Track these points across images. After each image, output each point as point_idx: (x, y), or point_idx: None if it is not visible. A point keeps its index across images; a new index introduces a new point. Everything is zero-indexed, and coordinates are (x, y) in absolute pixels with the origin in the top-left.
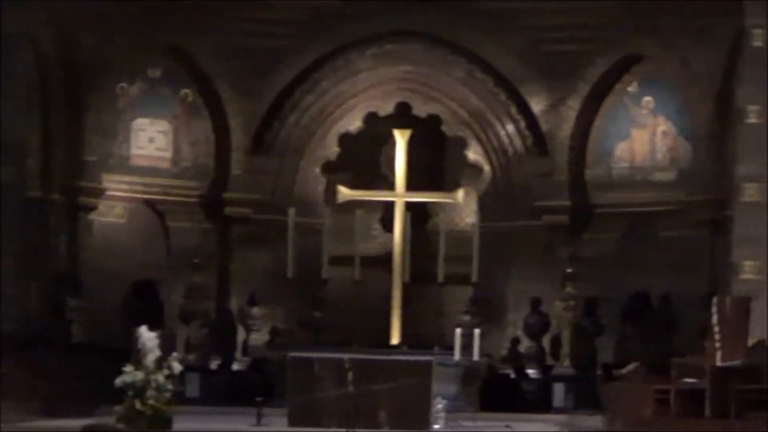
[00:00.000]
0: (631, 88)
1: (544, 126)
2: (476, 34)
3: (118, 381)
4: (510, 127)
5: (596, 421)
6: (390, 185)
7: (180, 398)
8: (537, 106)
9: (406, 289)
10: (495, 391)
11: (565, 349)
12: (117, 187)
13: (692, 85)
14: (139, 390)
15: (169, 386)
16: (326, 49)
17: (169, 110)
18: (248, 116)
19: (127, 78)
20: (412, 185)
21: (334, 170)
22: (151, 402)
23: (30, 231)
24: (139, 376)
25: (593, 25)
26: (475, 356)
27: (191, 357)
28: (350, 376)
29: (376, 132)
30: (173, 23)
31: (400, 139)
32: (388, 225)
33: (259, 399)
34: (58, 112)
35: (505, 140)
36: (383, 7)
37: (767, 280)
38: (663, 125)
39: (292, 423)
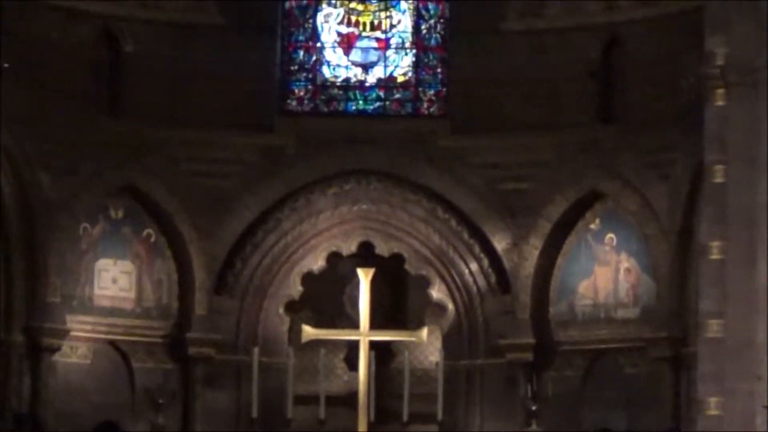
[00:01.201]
0: (594, 226)
1: (507, 264)
2: (435, 173)
3: None
4: (473, 266)
5: None
6: (354, 324)
7: None
8: (500, 244)
9: (371, 428)
10: None
11: None
12: (80, 327)
13: (653, 221)
14: None
15: None
16: (286, 190)
17: (132, 250)
18: (210, 256)
19: (88, 218)
20: (376, 324)
21: (297, 309)
22: None
23: None
24: None
25: (551, 162)
26: None
27: None
28: None
29: (340, 271)
30: (126, 163)
31: (364, 278)
32: (352, 364)
33: None
34: (18, 253)
35: (469, 279)
36: (340, 146)
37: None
38: (626, 262)
39: None
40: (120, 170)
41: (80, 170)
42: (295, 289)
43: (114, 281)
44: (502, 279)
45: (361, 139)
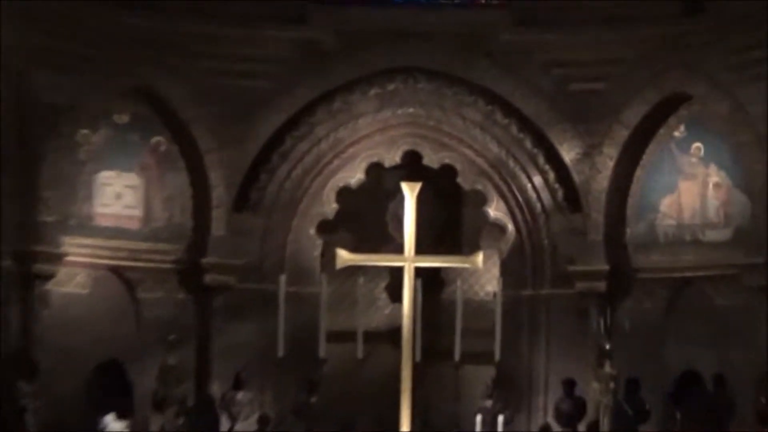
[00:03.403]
0: (678, 133)
1: (577, 178)
2: (495, 71)
3: None
4: (537, 180)
5: None
6: (398, 248)
7: None
8: (568, 154)
9: (417, 369)
10: None
11: None
12: (78, 251)
13: (746, 128)
14: None
15: None
16: (320, 90)
17: (138, 161)
18: (231, 168)
19: (89, 124)
20: (423, 248)
21: (331, 231)
22: None
23: None
24: None
25: (629, 60)
26: None
27: None
28: None
29: (381, 185)
30: (142, 62)
31: (409, 193)
32: (395, 294)
33: None
34: (8, 164)
35: (532, 195)
36: (384, 41)
37: None
38: (715, 176)
39: None
40: (131, 69)
41: (85, 69)
42: (330, 206)
43: (118, 197)
44: (570, 195)
45: (408, 32)
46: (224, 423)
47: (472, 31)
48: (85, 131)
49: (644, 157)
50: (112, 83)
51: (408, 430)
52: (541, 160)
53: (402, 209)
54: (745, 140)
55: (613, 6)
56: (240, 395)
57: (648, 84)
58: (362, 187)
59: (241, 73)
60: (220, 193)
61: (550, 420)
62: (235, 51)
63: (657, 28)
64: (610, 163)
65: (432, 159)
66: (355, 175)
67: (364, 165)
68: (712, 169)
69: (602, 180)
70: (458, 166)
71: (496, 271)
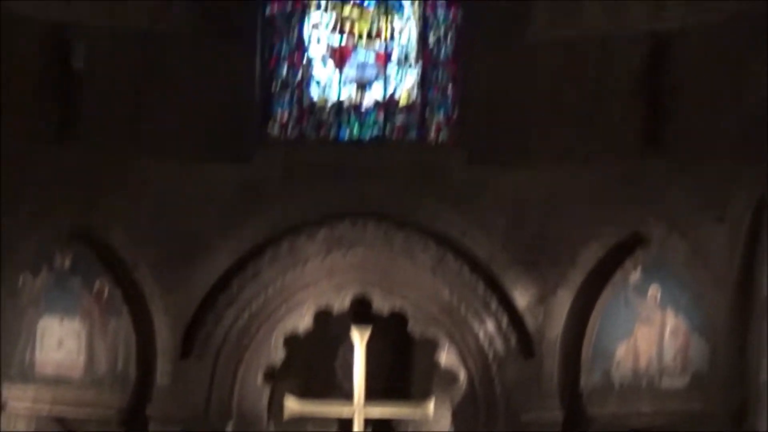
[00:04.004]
0: (634, 277)
1: (531, 323)
2: (446, 213)
3: None
4: (490, 325)
5: None
6: (347, 396)
7: None
8: (521, 299)
9: None
10: None
11: None
12: (19, 399)
13: (706, 271)
14: None
15: None
16: (267, 232)
17: (81, 307)
18: (176, 313)
19: (30, 267)
20: (373, 396)
21: (279, 378)
22: None
23: None
24: None
25: (585, 199)
26: None
27: None
28: None
29: (330, 331)
30: (79, 202)
31: (359, 340)
32: None
33: None
34: None
35: (484, 341)
36: (331, 181)
37: None
38: (673, 320)
39: None
40: (70, 210)
41: (20, 210)
42: (277, 353)
43: (60, 344)
44: (524, 341)
45: (356, 172)
46: None
47: (423, 171)
48: (25, 275)
49: (599, 301)
50: (50, 225)
51: None
52: (494, 305)
53: (351, 356)
54: (704, 283)
55: (569, 142)
56: None
57: (604, 225)
58: (310, 333)
59: (184, 213)
60: (164, 339)
61: None
62: (177, 190)
63: (614, 165)
64: (565, 308)
65: (381, 305)
66: (303, 322)
67: (312, 311)
68: (670, 313)
69: (556, 326)
70: (409, 312)
71: (448, 419)
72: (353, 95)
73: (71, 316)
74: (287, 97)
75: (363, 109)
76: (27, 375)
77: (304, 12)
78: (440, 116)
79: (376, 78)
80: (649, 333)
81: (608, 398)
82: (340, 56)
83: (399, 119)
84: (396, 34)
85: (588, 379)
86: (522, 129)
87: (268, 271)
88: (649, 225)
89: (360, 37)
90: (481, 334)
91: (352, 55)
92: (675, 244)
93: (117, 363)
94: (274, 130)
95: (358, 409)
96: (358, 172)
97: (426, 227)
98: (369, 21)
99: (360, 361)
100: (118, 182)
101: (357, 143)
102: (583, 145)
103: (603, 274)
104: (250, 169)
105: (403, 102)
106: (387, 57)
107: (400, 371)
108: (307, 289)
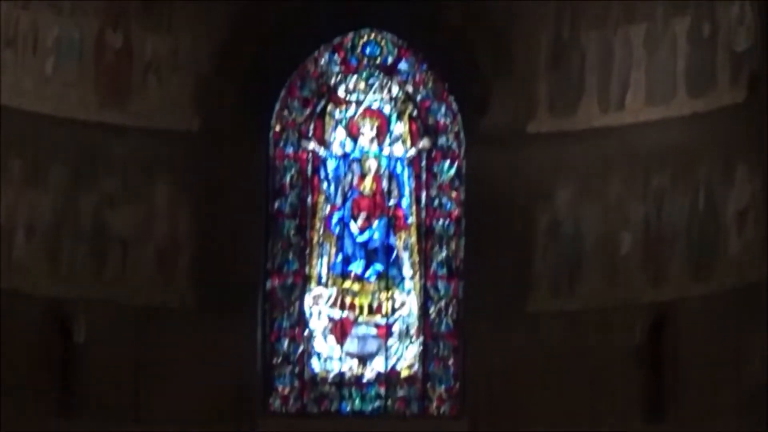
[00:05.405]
0: None
1: None
2: None
3: None
4: None
5: None
6: None
7: None
8: None
9: None
10: None
11: None
12: None
13: None
14: None
15: None
16: None
17: None
18: None
19: None
20: None
21: None
22: None
23: None
24: None
25: None
26: None
27: None
28: None
29: None
30: None
31: None
32: None
33: None
34: None
35: None
36: None
37: None
38: None
39: None
40: None
41: None
42: None
43: None
44: None
45: None
46: None
47: None
48: None
49: None
50: None
51: None
52: None
53: None
54: None
55: (571, 412)
56: None
57: None
58: None
59: None
60: None
61: None
62: None
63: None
64: None
65: None
66: None
67: None
68: None
69: None
70: None
71: None
72: (354, 368)
73: None
74: (288, 371)
75: (364, 382)
76: None
77: (304, 286)
78: (442, 389)
79: (377, 352)
80: None
81: None
82: (341, 330)
83: (400, 392)
84: (397, 308)
85: None
86: (523, 400)
87: None
88: None
89: (361, 311)
90: None
91: (353, 328)
92: None
93: None
94: (276, 403)
95: None
96: None
97: None
98: (369, 295)
99: None
100: None
101: (359, 416)
102: (584, 415)
103: None
104: None
105: (404, 374)
106: (388, 330)
107: None
108: None
